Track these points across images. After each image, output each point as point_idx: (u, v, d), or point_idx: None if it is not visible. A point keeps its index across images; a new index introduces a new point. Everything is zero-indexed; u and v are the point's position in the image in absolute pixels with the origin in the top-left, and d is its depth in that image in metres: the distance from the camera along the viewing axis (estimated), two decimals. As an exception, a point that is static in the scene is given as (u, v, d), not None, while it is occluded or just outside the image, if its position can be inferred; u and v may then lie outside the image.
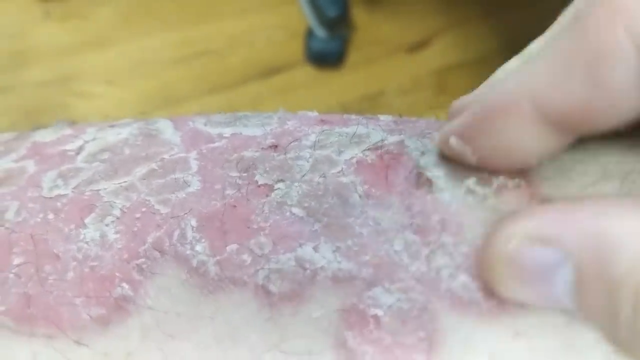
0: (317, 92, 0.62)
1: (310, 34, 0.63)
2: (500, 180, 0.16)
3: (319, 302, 0.15)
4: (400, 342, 0.15)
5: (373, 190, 0.16)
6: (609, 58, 0.12)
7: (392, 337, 0.15)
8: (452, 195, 0.16)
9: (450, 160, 0.17)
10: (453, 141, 0.16)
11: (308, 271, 0.15)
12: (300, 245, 0.16)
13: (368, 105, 0.62)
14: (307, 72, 0.63)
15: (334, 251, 0.16)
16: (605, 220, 0.13)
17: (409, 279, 0.15)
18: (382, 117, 0.20)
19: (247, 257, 0.16)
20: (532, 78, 0.14)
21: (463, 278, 0.15)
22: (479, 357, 0.15)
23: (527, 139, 0.14)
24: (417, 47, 0.65)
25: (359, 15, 0.66)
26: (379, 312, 0.15)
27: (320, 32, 0.62)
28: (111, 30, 0.62)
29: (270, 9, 0.66)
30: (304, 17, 0.65)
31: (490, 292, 0.15)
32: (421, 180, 0.17)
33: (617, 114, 0.13)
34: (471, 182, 0.16)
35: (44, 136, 0.20)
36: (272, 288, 0.15)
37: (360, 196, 0.16)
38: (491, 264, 0.14)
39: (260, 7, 0.66)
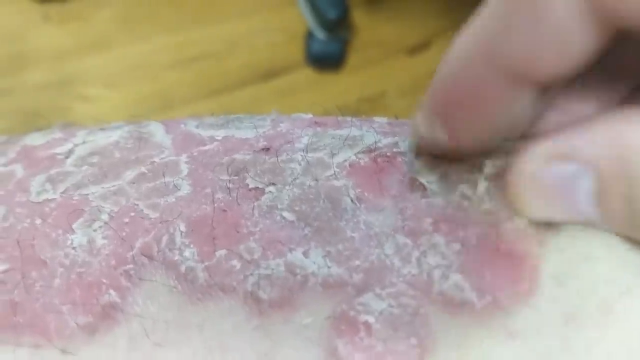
0: (317, 95, 0.61)
1: (310, 36, 0.63)
2: (491, 181, 0.16)
3: (309, 309, 0.15)
4: (391, 349, 0.15)
5: (366, 194, 0.16)
6: None
7: (384, 344, 0.15)
8: (446, 200, 0.16)
9: (443, 164, 0.16)
10: (419, 119, 0.15)
11: (298, 277, 0.15)
12: (290, 250, 0.15)
13: (368, 107, 0.61)
14: (307, 75, 0.62)
15: (324, 256, 0.15)
16: (621, 126, 0.13)
17: (401, 283, 0.15)
18: (377, 119, 0.20)
19: (236, 263, 0.15)
20: (482, 35, 0.14)
21: (455, 277, 0.15)
22: (473, 358, 0.14)
23: (490, 97, 0.14)
24: (418, 49, 0.65)
25: (359, 17, 0.66)
26: (370, 319, 0.15)
27: (320, 34, 0.62)
28: (110, 33, 0.62)
29: (269, 11, 0.66)
30: (303, 19, 0.64)
31: (483, 290, 0.15)
32: (415, 184, 0.16)
33: (565, 54, 0.13)
34: (465, 187, 0.16)
35: (34, 140, 0.20)
36: (262, 295, 0.15)
37: (352, 200, 0.16)
38: (516, 188, 0.15)
39: (259, 9, 0.66)
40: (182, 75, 0.62)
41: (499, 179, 0.16)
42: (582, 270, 0.15)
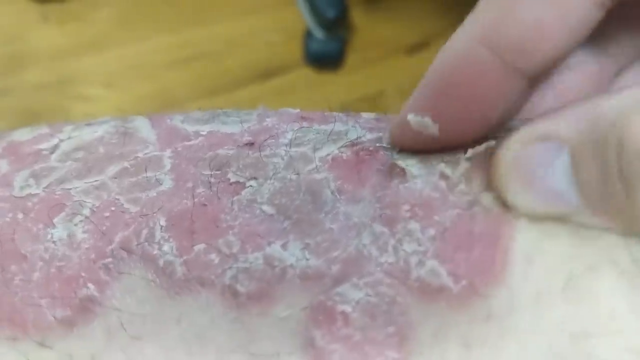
0: (316, 94, 0.61)
1: (308, 35, 0.63)
2: (470, 160, 0.16)
3: (287, 302, 0.15)
4: (370, 338, 0.14)
5: (345, 186, 0.16)
6: None
7: (362, 333, 0.15)
8: (424, 182, 0.16)
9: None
10: (411, 117, 0.16)
11: (276, 270, 0.15)
12: (269, 243, 0.15)
13: (367, 106, 0.61)
14: (305, 74, 0.62)
15: (302, 249, 0.15)
16: (594, 102, 0.13)
17: (378, 273, 0.15)
18: (364, 115, 0.20)
19: (214, 257, 0.15)
20: (479, 24, 0.14)
21: (431, 263, 0.15)
22: (451, 344, 0.14)
23: (487, 85, 0.14)
24: (417, 48, 0.65)
25: (358, 16, 0.66)
26: (347, 309, 0.15)
27: (318, 33, 0.62)
28: (109, 33, 0.62)
29: (267, 11, 0.66)
30: (302, 18, 0.64)
31: (459, 274, 0.15)
32: (395, 171, 0.16)
33: (571, 27, 0.13)
34: (444, 166, 0.16)
35: (21, 135, 0.20)
36: (240, 288, 0.15)
37: (332, 192, 0.16)
38: (498, 173, 0.15)
39: (258, 9, 0.66)
40: (181, 75, 0.62)
41: (481, 159, 0.16)
42: (547, 247, 0.15)
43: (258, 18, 0.65)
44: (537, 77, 0.15)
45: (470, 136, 0.16)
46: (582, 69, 0.17)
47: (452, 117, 0.15)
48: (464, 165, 0.16)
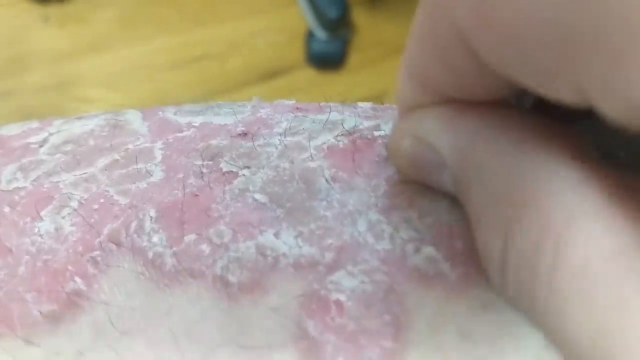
0: (318, 94, 0.61)
1: (310, 36, 0.62)
2: None
3: (280, 291, 0.14)
4: (364, 328, 0.14)
5: (340, 174, 0.16)
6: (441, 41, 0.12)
7: (356, 322, 0.14)
8: None
9: None
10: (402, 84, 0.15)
11: (269, 258, 0.14)
12: (262, 232, 0.15)
13: (370, 107, 0.61)
14: (308, 75, 0.62)
15: (295, 237, 0.15)
16: (474, 137, 0.13)
17: (374, 260, 0.14)
18: (360, 104, 0.19)
19: (205, 247, 0.15)
20: (413, 60, 0.14)
21: (428, 250, 0.14)
22: (448, 334, 0.14)
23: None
24: (420, 47, 0.64)
25: (360, 16, 0.65)
26: (342, 297, 0.14)
27: (320, 33, 0.62)
28: (110, 35, 0.61)
29: (270, 11, 0.66)
30: (304, 19, 0.64)
31: (457, 261, 0.14)
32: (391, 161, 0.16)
33: (475, 90, 0.13)
34: None
35: (9, 130, 0.20)
36: (231, 278, 0.14)
37: (326, 180, 0.15)
38: (393, 153, 0.15)
39: (260, 10, 0.66)
40: (183, 77, 0.61)
41: None
42: None
43: (260, 19, 0.65)
44: None
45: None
46: None
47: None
48: None
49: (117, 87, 0.59)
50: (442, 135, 0.13)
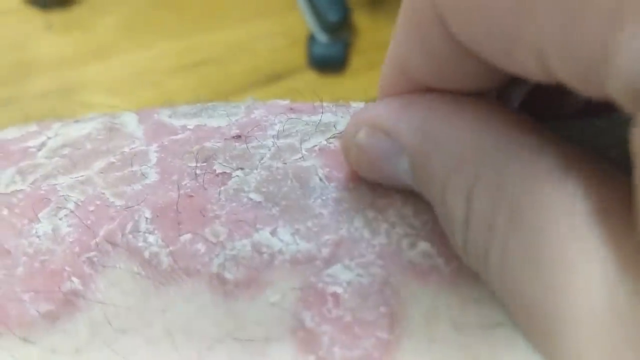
0: (320, 98, 0.61)
1: (311, 39, 0.62)
2: None
3: (276, 287, 0.14)
4: (360, 319, 0.14)
5: (334, 173, 0.16)
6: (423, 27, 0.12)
7: (352, 314, 0.14)
8: None
9: None
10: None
11: (265, 255, 0.15)
12: (257, 230, 0.15)
13: (372, 109, 0.61)
14: (309, 78, 0.62)
15: (292, 233, 0.15)
16: (430, 115, 0.13)
17: (370, 254, 0.15)
18: (354, 104, 0.19)
19: (201, 246, 0.15)
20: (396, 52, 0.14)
21: (423, 245, 0.15)
22: (441, 325, 0.14)
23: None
24: (421, 49, 0.65)
25: (361, 19, 0.65)
26: (338, 289, 0.14)
27: (321, 37, 0.62)
28: (113, 41, 0.62)
29: (270, 15, 0.66)
30: (305, 22, 0.64)
31: (451, 256, 0.15)
32: None
33: (454, 79, 0.13)
34: None
35: (8, 134, 0.20)
36: (227, 275, 0.15)
37: (320, 179, 0.16)
38: (347, 149, 0.15)
39: (261, 14, 0.66)
40: (185, 81, 0.62)
41: None
42: None
43: (261, 23, 0.65)
44: None
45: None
46: None
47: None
48: None
49: (120, 92, 0.60)
50: (397, 119, 0.14)
